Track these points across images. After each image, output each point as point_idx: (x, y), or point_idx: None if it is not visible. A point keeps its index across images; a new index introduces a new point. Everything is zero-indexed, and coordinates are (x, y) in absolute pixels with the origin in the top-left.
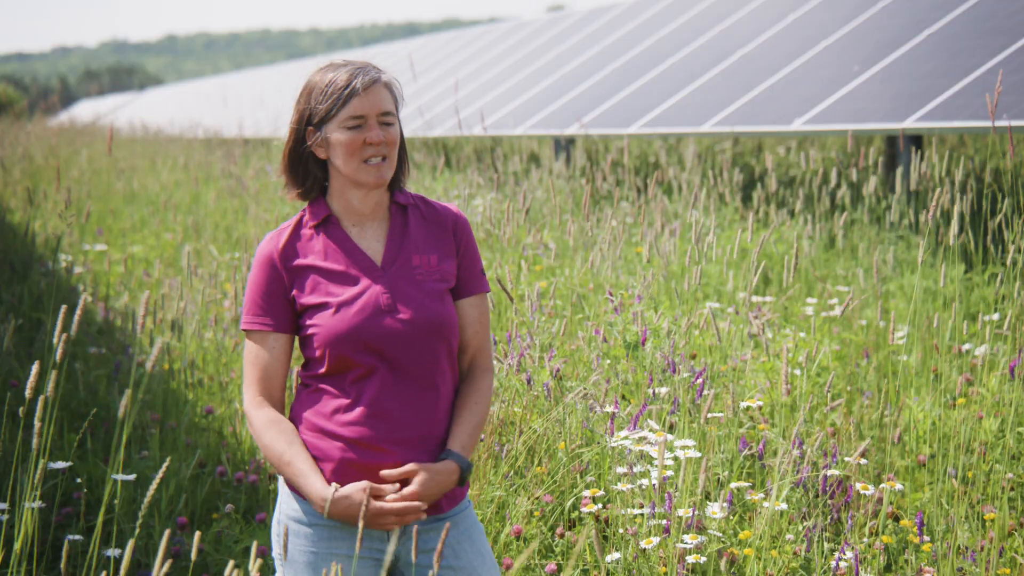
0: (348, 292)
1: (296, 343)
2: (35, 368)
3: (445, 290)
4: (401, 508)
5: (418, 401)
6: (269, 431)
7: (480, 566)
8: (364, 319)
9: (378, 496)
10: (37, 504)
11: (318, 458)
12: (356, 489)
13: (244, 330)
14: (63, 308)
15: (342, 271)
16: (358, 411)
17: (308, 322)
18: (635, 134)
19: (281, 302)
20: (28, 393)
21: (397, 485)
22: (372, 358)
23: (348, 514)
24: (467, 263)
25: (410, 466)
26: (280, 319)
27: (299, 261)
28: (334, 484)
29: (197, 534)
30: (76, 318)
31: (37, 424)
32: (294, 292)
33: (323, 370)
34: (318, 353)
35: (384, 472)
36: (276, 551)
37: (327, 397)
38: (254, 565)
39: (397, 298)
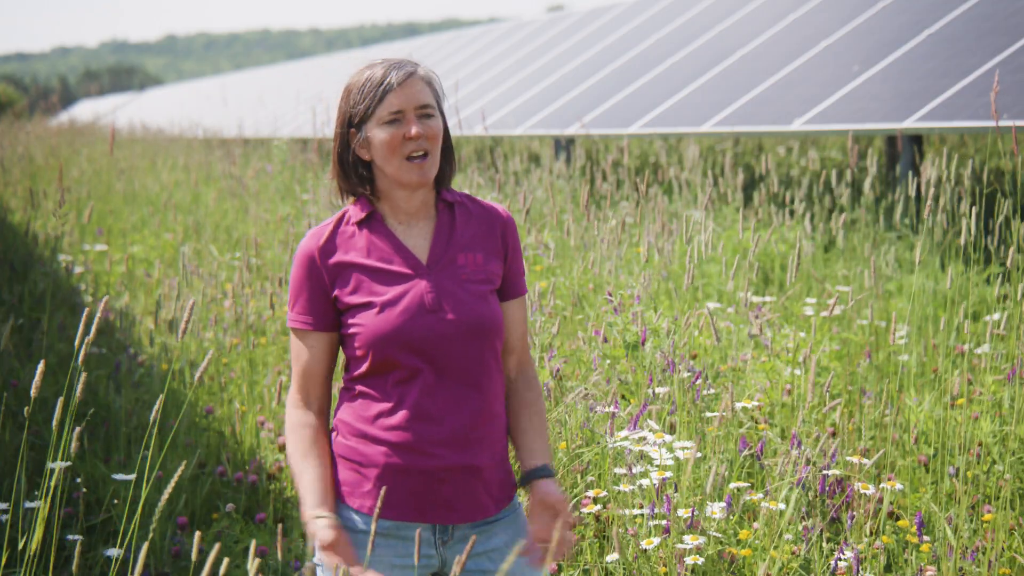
0: (392, 291)
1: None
2: (40, 367)
3: (490, 290)
4: None
5: (462, 403)
6: (292, 435)
7: (528, 570)
8: (408, 319)
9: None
10: (43, 504)
11: (362, 463)
12: (331, 555)
13: (290, 327)
14: (85, 311)
15: (386, 269)
16: (401, 414)
17: (351, 321)
18: (635, 134)
19: (322, 300)
20: (34, 393)
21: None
22: (416, 359)
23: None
24: (514, 265)
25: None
26: (320, 317)
27: (341, 258)
28: (322, 523)
29: (197, 534)
30: (95, 324)
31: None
32: (336, 291)
33: (364, 370)
34: (359, 353)
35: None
36: (317, 556)
37: (369, 401)
38: (253, 565)
39: (442, 297)
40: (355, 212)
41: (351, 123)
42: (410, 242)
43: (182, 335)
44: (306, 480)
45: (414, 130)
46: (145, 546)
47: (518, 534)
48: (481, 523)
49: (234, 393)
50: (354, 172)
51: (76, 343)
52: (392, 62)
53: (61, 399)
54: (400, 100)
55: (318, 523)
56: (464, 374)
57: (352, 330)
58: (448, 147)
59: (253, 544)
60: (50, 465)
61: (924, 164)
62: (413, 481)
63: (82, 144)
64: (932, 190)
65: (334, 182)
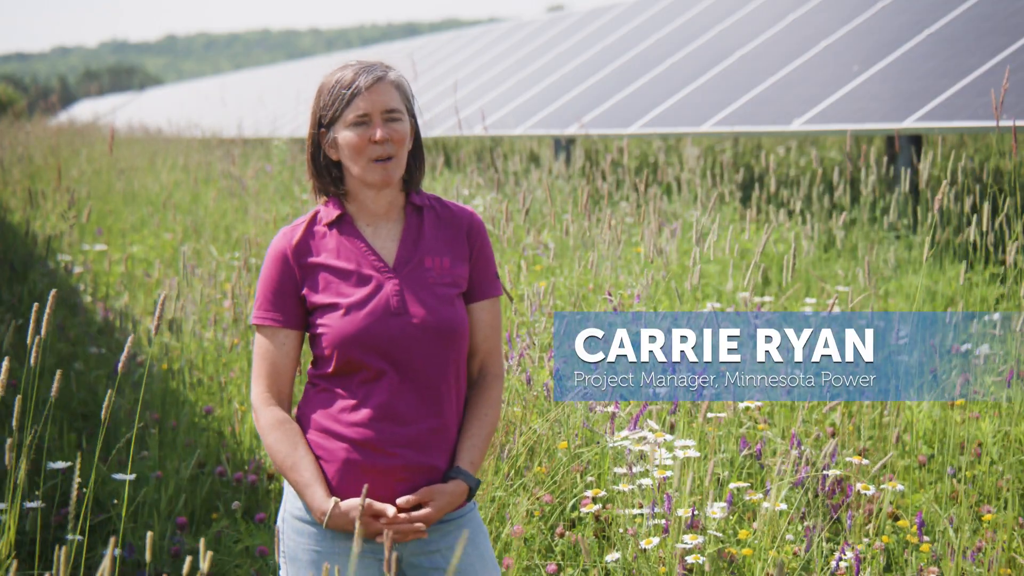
0: (359, 293)
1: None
2: (5, 365)
3: (457, 294)
4: (403, 529)
5: (425, 404)
6: (274, 432)
7: (481, 568)
8: (374, 321)
9: (378, 515)
10: (10, 506)
11: (323, 458)
12: (355, 506)
13: (254, 324)
14: (36, 306)
15: (354, 270)
16: (365, 413)
17: (318, 321)
18: (635, 134)
19: (292, 298)
20: None
21: (394, 509)
22: (381, 360)
23: (347, 528)
24: (481, 267)
25: (423, 491)
26: (290, 315)
27: (312, 259)
28: (334, 498)
29: (209, 553)
30: (46, 316)
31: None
32: (305, 290)
33: (331, 370)
34: (327, 352)
35: (400, 500)
36: (281, 550)
37: (334, 398)
38: (205, 561)
39: (408, 300)
40: (326, 213)
41: (321, 123)
42: (378, 244)
43: (156, 329)
44: (310, 470)
45: (379, 134)
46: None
47: (473, 533)
48: (436, 521)
49: (233, 393)
50: (326, 172)
51: (28, 337)
52: (363, 65)
53: (18, 398)
54: (367, 104)
55: (329, 504)
56: (428, 376)
57: (319, 330)
58: (418, 149)
59: (203, 542)
60: (50, 465)
61: (923, 164)
62: (371, 478)
63: (82, 144)
64: (930, 190)
65: (310, 181)
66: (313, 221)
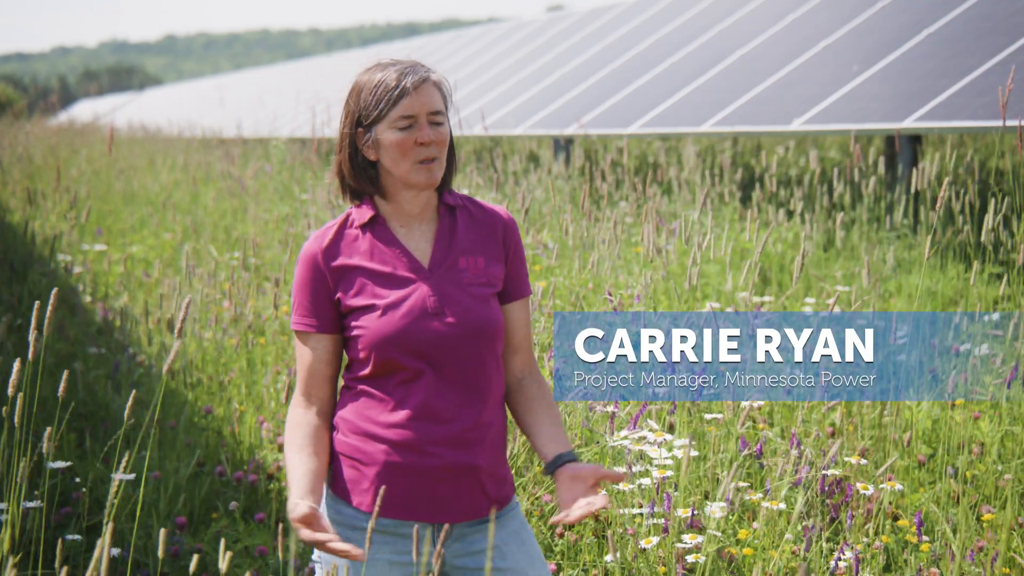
0: (395, 294)
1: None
2: (17, 365)
3: (491, 294)
4: (342, 551)
5: (463, 404)
6: (290, 432)
7: (528, 567)
8: (411, 322)
9: (309, 523)
10: (35, 503)
11: (362, 461)
12: (308, 538)
13: (293, 330)
14: (37, 304)
15: (389, 272)
16: (403, 414)
17: (354, 323)
18: (635, 134)
19: (326, 303)
20: (10, 391)
21: (360, 551)
22: (418, 361)
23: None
24: (516, 266)
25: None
26: (325, 320)
27: (344, 261)
28: (304, 504)
29: (229, 553)
30: (48, 314)
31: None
32: (339, 293)
33: (367, 372)
34: (363, 355)
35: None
36: (316, 554)
37: (371, 400)
38: (224, 560)
39: (444, 301)
40: (359, 215)
41: (360, 123)
42: (411, 245)
43: (178, 333)
44: (296, 474)
45: (426, 136)
46: (107, 535)
47: (516, 533)
48: (477, 522)
49: (233, 393)
50: (363, 172)
51: (31, 337)
52: (405, 65)
53: (20, 395)
54: (414, 105)
55: (298, 504)
56: (465, 376)
57: (355, 332)
58: (451, 149)
59: (226, 542)
60: (50, 465)
61: (923, 164)
62: (412, 480)
63: (81, 144)
64: (930, 190)
65: (336, 181)
66: (345, 224)
